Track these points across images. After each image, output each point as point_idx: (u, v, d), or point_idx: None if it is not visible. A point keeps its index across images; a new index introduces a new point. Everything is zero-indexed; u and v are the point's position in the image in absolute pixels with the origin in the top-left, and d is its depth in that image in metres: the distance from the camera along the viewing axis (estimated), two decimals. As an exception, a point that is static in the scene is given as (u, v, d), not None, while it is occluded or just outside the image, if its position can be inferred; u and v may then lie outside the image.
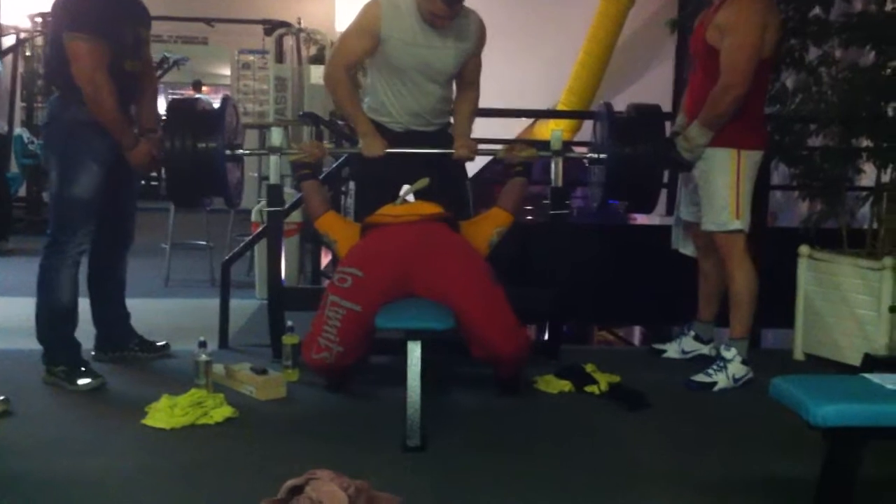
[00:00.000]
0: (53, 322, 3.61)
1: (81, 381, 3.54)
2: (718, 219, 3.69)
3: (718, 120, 3.60)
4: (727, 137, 3.64)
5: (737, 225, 3.67)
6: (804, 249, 4.22)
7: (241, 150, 3.89)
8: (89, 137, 3.53)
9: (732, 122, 3.60)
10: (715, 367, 3.72)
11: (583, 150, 6.32)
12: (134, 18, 3.67)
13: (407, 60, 3.69)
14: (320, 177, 4.06)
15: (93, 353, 3.88)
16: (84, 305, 3.79)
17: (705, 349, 4.08)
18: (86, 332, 3.76)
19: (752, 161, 3.71)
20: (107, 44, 3.45)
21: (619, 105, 3.96)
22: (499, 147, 4.06)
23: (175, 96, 15.52)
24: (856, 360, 3.79)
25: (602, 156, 3.80)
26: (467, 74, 3.89)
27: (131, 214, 3.93)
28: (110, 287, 3.93)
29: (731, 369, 3.69)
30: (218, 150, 3.61)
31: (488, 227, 3.64)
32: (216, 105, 3.85)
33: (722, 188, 3.67)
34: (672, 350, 4.16)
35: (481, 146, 3.99)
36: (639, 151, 3.68)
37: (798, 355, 4.23)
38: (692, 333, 4.12)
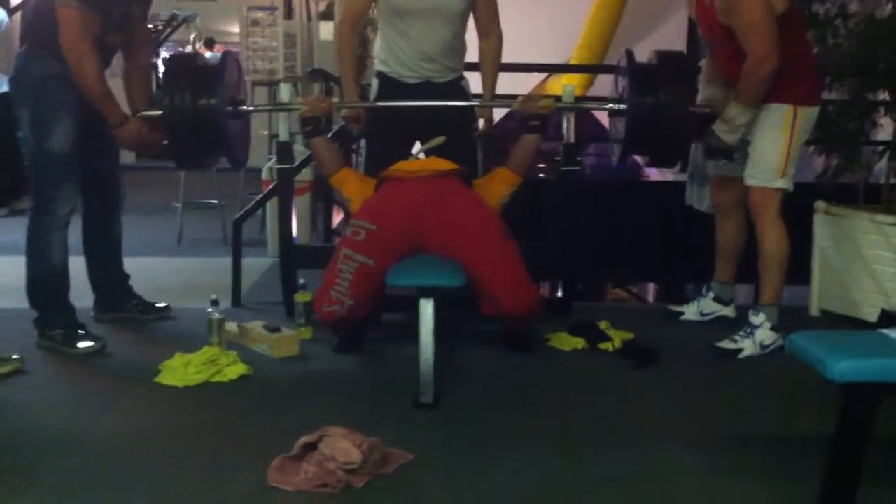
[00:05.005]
0: (47, 285, 3.55)
1: (82, 345, 3.50)
2: (764, 175, 3.55)
3: (756, 96, 3.45)
4: (785, 93, 3.48)
5: (781, 183, 3.55)
6: (820, 205, 4.17)
7: (243, 107, 3.81)
8: (59, 90, 3.43)
9: (790, 78, 3.44)
10: (742, 332, 3.60)
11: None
12: None
13: None
14: (329, 134, 4.02)
15: (92, 314, 3.87)
16: (80, 265, 3.77)
17: (726, 310, 4.01)
18: (78, 292, 3.72)
19: (809, 118, 3.57)
20: (97, 15, 3.35)
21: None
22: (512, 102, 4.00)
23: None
24: (872, 316, 3.76)
25: (622, 107, 3.65)
26: (481, 15, 3.80)
27: (115, 171, 3.86)
28: (105, 248, 3.89)
29: (759, 336, 3.57)
30: (218, 106, 3.50)
31: (499, 188, 3.57)
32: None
33: (774, 144, 3.52)
34: (690, 312, 4.06)
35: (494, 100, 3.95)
36: (662, 101, 3.50)
37: (814, 312, 4.20)
38: (711, 295, 4.03)
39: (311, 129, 3.66)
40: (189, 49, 10.99)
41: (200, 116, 3.50)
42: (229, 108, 3.59)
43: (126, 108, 3.64)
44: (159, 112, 3.57)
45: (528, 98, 3.74)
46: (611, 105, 3.81)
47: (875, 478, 2.27)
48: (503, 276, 3.29)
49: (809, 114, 3.58)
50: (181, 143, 3.62)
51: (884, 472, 2.42)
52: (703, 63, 3.89)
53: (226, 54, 3.80)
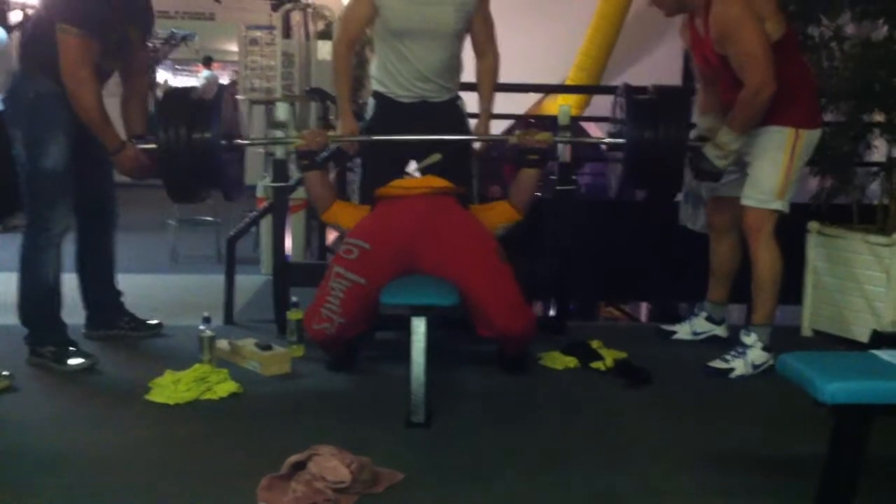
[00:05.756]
0: (40, 303, 3.53)
1: (72, 362, 3.48)
2: (762, 196, 3.54)
3: (751, 124, 3.45)
4: (786, 116, 3.48)
5: (777, 205, 3.55)
6: (814, 225, 4.18)
7: (238, 141, 3.72)
8: (54, 108, 3.41)
9: (790, 101, 3.45)
10: (733, 352, 3.61)
11: (590, 125, 6.33)
12: (128, 18, 3.55)
13: (406, 20, 3.62)
14: (326, 153, 3.99)
15: (83, 331, 3.86)
16: (71, 282, 3.75)
17: (718, 330, 4.02)
18: (70, 309, 3.70)
19: (810, 141, 3.56)
20: (97, 40, 3.35)
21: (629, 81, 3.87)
22: (508, 122, 4.01)
23: (183, 71, 15.53)
24: (864, 337, 3.76)
25: (621, 141, 3.63)
26: (478, 36, 3.79)
27: (110, 189, 3.85)
28: (98, 266, 3.88)
29: (751, 356, 3.57)
30: (213, 142, 3.42)
31: (495, 219, 3.56)
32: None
33: (774, 165, 3.52)
34: (682, 331, 4.08)
35: (492, 122, 3.96)
36: (661, 142, 3.47)
37: (806, 332, 4.21)
38: (703, 314, 4.04)
39: (306, 164, 3.62)
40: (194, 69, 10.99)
41: (195, 154, 3.41)
42: (224, 143, 3.51)
43: (122, 131, 3.63)
44: (154, 146, 3.49)
45: (526, 133, 3.66)
46: (609, 140, 3.82)
47: (868, 495, 2.26)
48: (497, 297, 3.27)
49: (810, 136, 3.58)
50: (175, 178, 3.53)
51: (876, 489, 2.41)
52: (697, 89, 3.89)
53: (221, 88, 3.71)
